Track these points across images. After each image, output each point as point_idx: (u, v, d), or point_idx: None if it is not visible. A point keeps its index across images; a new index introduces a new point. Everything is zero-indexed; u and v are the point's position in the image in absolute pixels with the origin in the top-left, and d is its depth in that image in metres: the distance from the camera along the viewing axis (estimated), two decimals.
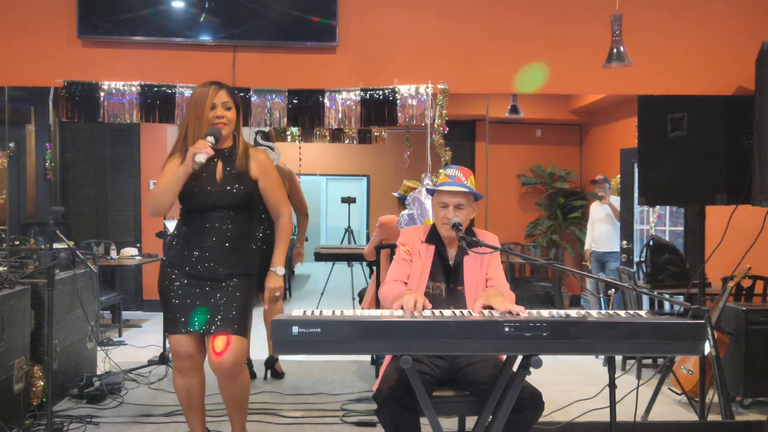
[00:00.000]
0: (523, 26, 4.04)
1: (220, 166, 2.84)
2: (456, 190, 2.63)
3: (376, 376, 4.57)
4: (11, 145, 5.98)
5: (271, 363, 4.62)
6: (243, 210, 2.85)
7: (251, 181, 2.88)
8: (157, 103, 3.86)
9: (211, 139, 2.74)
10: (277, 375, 4.65)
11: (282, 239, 2.98)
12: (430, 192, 2.79)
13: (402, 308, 2.29)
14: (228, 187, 2.81)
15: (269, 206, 2.97)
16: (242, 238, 2.87)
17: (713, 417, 3.78)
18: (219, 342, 2.80)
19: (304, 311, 2.09)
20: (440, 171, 2.78)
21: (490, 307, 2.30)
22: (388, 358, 2.66)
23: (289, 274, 9.72)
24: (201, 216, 2.83)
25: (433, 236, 2.73)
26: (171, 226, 5.11)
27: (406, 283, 2.65)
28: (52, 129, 6.68)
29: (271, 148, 4.60)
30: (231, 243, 2.82)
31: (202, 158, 2.69)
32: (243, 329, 2.84)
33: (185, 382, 2.89)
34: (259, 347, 5.35)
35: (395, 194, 4.84)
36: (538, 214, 7.96)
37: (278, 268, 2.92)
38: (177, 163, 2.82)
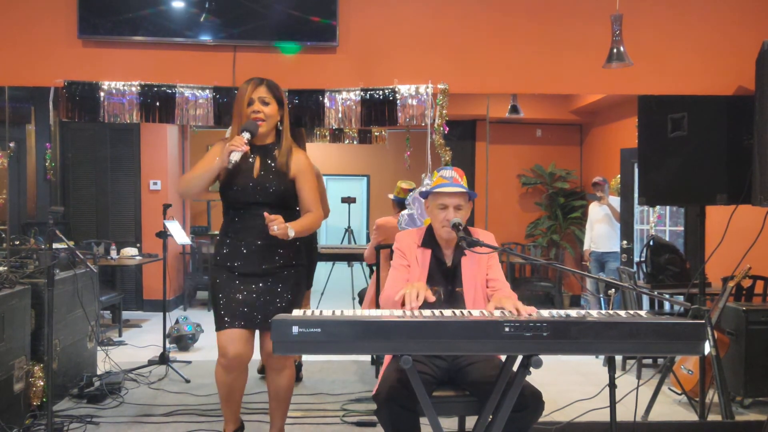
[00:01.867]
0: (523, 26, 4.04)
1: (258, 162, 2.86)
2: (455, 191, 2.60)
3: (376, 376, 4.57)
4: (11, 145, 5.98)
5: (298, 368, 4.60)
6: (281, 207, 2.86)
7: (289, 179, 2.89)
8: (157, 103, 3.86)
9: (246, 135, 2.76)
10: (299, 378, 4.63)
11: (302, 219, 2.91)
12: (424, 195, 2.76)
13: (404, 303, 2.29)
14: (265, 184, 2.83)
15: (302, 206, 2.97)
16: None
17: (713, 417, 3.78)
18: (269, 336, 2.83)
19: (304, 311, 2.09)
20: (434, 171, 2.73)
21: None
22: (387, 359, 2.66)
23: None
24: (240, 212, 2.87)
25: (429, 239, 2.71)
26: (171, 226, 5.12)
27: None
28: (53, 129, 6.69)
29: None
30: (271, 239, 2.80)
31: (236, 156, 2.72)
32: None
33: (229, 378, 2.89)
34: None
35: (391, 196, 4.83)
36: (538, 214, 7.96)
37: (290, 229, 2.80)
38: (218, 148, 2.86)
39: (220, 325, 2.85)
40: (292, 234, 2.75)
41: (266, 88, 2.87)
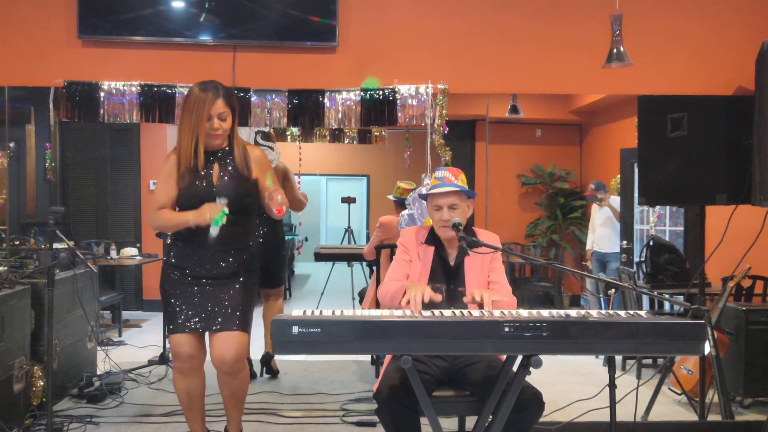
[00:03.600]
0: (523, 26, 4.04)
1: (216, 168, 2.82)
2: (446, 191, 2.63)
3: (376, 376, 4.57)
4: (11, 145, 5.98)
5: (267, 360, 4.63)
6: (241, 210, 2.83)
7: (250, 181, 2.86)
8: (157, 103, 3.86)
9: (224, 201, 2.70)
10: (272, 372, 4.64)
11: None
12: (423, 197, 2.79)
13: (408, 303, 2.31)
14: (225, 189, 2.79)
15: (264, 203, 2.91)
16: (241, 238, 2.88)
17: (713, 417, 3.78)
18: (220, 339, 2.82)
19: (304, 311, 2.09)
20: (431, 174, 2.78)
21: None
22: (388, 358, 2.66)
23: (289, 274, 9.72)
24: None
25: (433, 237, 2.73)
26: None
27: None
28: (52, 129, 6.68)
29: (271, 148, 4.61)
30: (230, 243, 2.82)
31: (215, 232, 2.68)
32: (244, 325, 2.86)
33: (186, 383, 2.89)
34: (259, 345, 5.34)
35: (390, 197, 4.84)
36: (538, 214, 7.95)
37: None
38: (172, 165, 2.80)
39: (171, 329, 2.84)
40: (285, 209, 2.76)
41: (223, 101, 2.75)
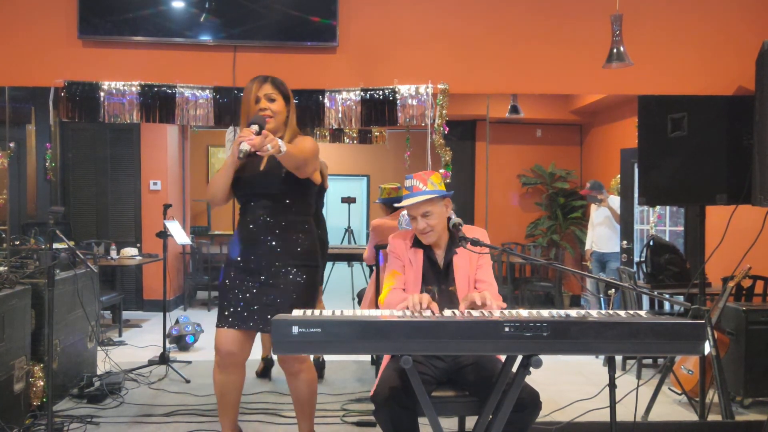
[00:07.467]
0: (523, 26, 4.05)
1: (266, 156, 2.77)
2: (414, 202, 2.62)
3: (376, 376, 4.57)
4: (11, 145, 5.99)
5: (322, 366, 4.57)
6: (292, 199, 2.81)
7: None
8: (158, 103, 3.86)
9: (255, 127, 2.66)
10: (321, 377, 4.60)
11: (294, 145, 2.76)
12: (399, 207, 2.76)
13: (407, 309, 2.30)
14: (272, 173, 2.77)
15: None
16: (294, 229, 2.82)
17: (713, 417, 3.78)
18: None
19: (304, 311, 2.09)
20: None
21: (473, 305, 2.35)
22: (386, 360, 2.67)
23: None
24: (251, 207, 2.83)
25: (420, 240, 2.73)
26: (171, 226, 5.11)
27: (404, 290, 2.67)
28: (53, 129, 6.69)
29: None
30: (281, 234, 2.78)
31: (246, 147, 2.61)
32: None
33: (222, 378, 2.87)
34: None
35: (377, 201, 4.83)
36: (538, 214, 7.96)
37: (282, 144, 2.60)
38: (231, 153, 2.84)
39: (218, 322, 2.84)
40: (284, 149, 2.57)
41: (271, 84, 2.84)
